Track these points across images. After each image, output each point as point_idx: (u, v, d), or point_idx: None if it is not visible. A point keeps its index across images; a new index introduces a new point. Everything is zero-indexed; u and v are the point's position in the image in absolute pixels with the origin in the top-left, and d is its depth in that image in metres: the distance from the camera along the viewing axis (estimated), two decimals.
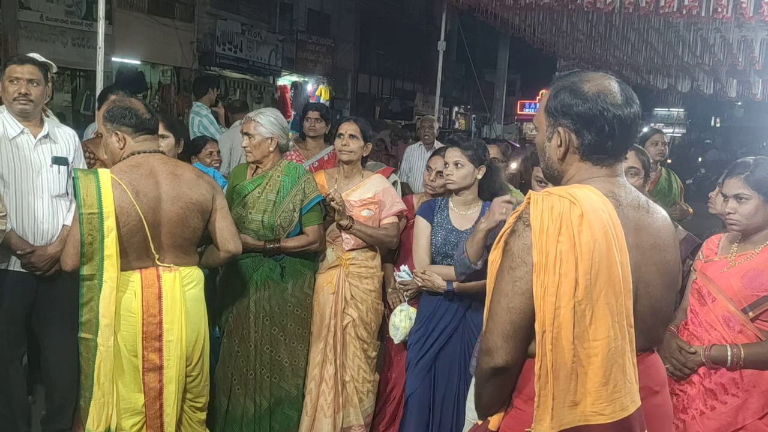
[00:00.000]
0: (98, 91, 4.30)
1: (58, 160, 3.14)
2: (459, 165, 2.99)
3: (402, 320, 3.21)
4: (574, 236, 1.44)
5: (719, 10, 4.84)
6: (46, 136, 3.13)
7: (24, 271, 3.05)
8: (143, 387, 2.56)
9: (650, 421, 1.55)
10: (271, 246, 3.16)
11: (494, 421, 1.62)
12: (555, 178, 1.69)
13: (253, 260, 3.19)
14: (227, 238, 2.75)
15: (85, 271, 2.43)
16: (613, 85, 1.58)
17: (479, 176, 3.03)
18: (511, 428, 1.59)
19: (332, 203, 3.19)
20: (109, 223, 2.40)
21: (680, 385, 2.45)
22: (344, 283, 3.34)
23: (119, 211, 2.43)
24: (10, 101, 3.04)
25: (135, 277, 2.53)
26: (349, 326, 3.35)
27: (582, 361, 1.45)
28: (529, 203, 1.52)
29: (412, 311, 3.20)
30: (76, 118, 9.98)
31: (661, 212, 1.67)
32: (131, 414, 2.57)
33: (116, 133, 2.59)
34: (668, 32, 7.52)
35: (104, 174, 2.46)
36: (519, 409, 1.59)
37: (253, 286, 3.19)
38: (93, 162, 3.53)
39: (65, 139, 3.22)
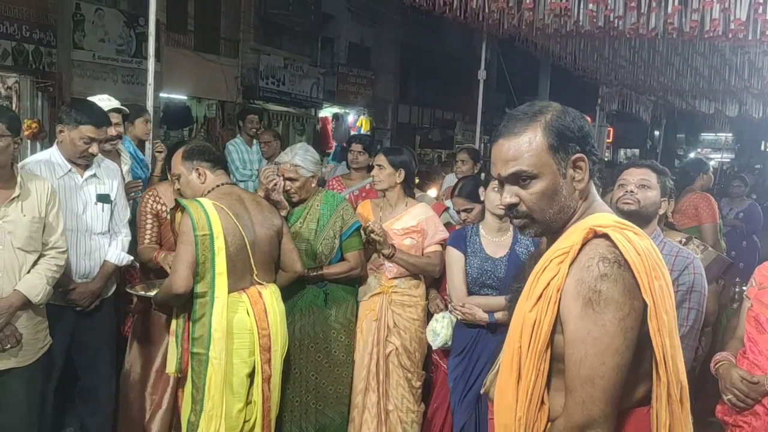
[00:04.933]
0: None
1: (102, 198, 3.15)
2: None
3: (444, 327, 3.18)
4: (659, 268, 1.36)
5: (767, 32, 4.73)
6: (93, 175, 3.14)
7: (62, 304, 3.03)
8: (261, 396, 2.75)
9: None
10: (314, 273, 3.19)
11: None
12: (562, 222, 1.48)
13: (297, 287, 3.21)
14: (295, 260, 2.99)
15: (198, 288, 2.63)
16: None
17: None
18: None
19: (372, 235, 3.21)
20: (219, 243, 2.62)
21: (743, 417, 2.35)
22: (387, 310, 3.34)
23: (226, 232, 2.65)
24: (75, 156, 3.03)
25: (243, 297, 2.73)
26: (391, 354, 3.34)
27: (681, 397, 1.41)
28: (602, 241, 1.37)
29: (455, 320, 3.14)
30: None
31: None
32: (233, 428, 2.69)
33: (197, 170, 2.80)
34: (714, 56, 7.39)
35: (207, 201, 2.69)
36: None
37: (298, 313, 3.22)
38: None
39: (108, 174, 3.23)
